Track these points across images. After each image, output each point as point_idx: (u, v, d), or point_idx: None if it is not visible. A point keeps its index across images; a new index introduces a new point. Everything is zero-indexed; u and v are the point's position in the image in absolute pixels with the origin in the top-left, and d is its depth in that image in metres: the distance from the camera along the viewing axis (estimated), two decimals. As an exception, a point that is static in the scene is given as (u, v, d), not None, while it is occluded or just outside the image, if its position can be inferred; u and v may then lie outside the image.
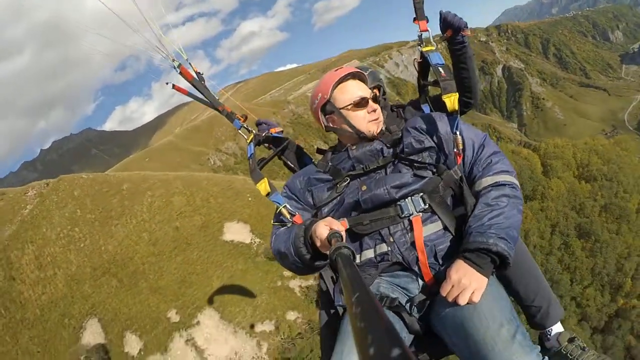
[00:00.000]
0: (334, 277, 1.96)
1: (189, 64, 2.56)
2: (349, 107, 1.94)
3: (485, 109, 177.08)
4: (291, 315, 25.21)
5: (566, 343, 2.11)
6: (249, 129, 2.54)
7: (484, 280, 1.56)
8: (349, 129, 1.95)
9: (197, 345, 25.05)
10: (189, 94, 2.64)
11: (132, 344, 26.55)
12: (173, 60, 2.53)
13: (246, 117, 2.60)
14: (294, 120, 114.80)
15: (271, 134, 2.54)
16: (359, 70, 2.02)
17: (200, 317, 26.08)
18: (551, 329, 2.18)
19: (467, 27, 2.19)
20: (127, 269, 30.05)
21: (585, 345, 2.07)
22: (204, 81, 2.58)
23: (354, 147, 1.94)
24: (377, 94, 2.64)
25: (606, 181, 40.62)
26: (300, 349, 22.74)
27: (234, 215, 33.04)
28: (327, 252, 1.51)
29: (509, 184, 1.75)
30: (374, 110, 1.95)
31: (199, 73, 2.57)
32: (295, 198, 2.05)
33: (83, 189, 38.48)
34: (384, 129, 2.02)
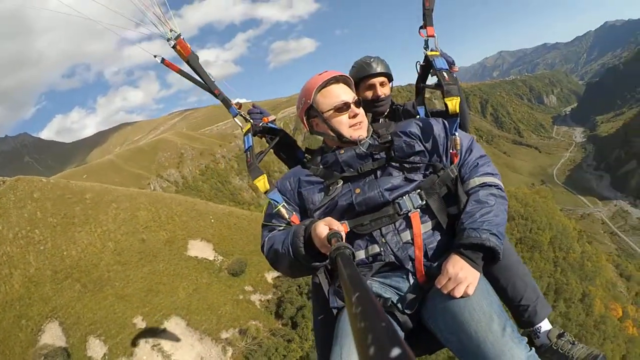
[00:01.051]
0: (329, 280, 1.99)
1: (183, 40, 2.32)
2: (331, 111, 1.97)
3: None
4: (253, 325, 28.00)
5: (556, 339, 2.18)
6: (246, 117, 2.48)
7: (477, 274, 1.67)
8: (331, 133, 2.00)
9: (163, 351, 26.67)
10: (180, 72, 2.45)
11: (96, 348, 27.49)
12: (171, 31, 2.30)
13: (241, 105, 2.53)
14: (239, 155, 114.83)
15: (265, 123, 2.50)
16: (343, 74, 2.05)
17: (166, 324, 27.82)
18: (539, 326, 2.24)
19: (455, 64, 2.42)
20: (91, 275, 31.15)
21: (574, 340, 2.17)
22: (199, 59, 2.40)
23: (342, 151, 1.97)
24: (386, 82, 2.83)
25: (522, 220, 50.47)
26: (267, 349, 25.49)
27: (197, 233, 35.12)
28: (327, 252, 1.59)
29: (495, 185, 1.88)
30: (356, 115, 1.97)
31: (193, 52, 2.37)
32: (286, 199, 2.05)
33: (43, 192, 38.77)
34: (371, 132, 2.05)
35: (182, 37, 2.29)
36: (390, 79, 2.86)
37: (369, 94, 2.81)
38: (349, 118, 1.96)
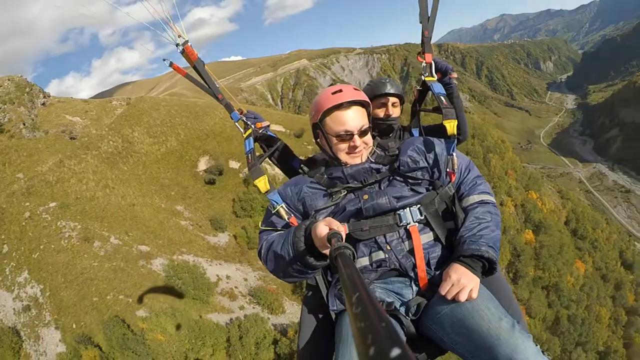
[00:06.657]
0: (327, 282, 2.15)
1: (190, 46, 2.58)
2: (334, 137, 2.09)
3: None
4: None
5: None
6: (247, 122, 2.67)
7: (478, 280, 1.85)
8: (330, 154, 2.16)
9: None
10: (187, 76, 2.69)
11: (235, 165, 52.93)
12: (179, 37, 2.53)
13: (242, 111, 2.76)
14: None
15: (257, 129, 2.69)
16: (358, 98, 2.08)
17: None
18: None
19: (453, 71, 2.78)
20: (223, 135, 56.62)
21: None
22: (205, 65, 2.63)
23: (348, 166, 2.11)
24: (398, 103, 3.23)
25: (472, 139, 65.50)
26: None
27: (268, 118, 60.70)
28: (327, 252, 1.67)
29: (491, 203, 2.11)
30: (357, 145, 2.07)
31: (199, 58, 2.60)
32: (287, 204, 2.19)
33: (163, 104, 62.63)
34: (377, 151, 2.20)
35: (189, 43, 2.55)
36: (402, 101, 3.25)
37: (380, 112, 3.19)
38: (349, 146, 2.08)
